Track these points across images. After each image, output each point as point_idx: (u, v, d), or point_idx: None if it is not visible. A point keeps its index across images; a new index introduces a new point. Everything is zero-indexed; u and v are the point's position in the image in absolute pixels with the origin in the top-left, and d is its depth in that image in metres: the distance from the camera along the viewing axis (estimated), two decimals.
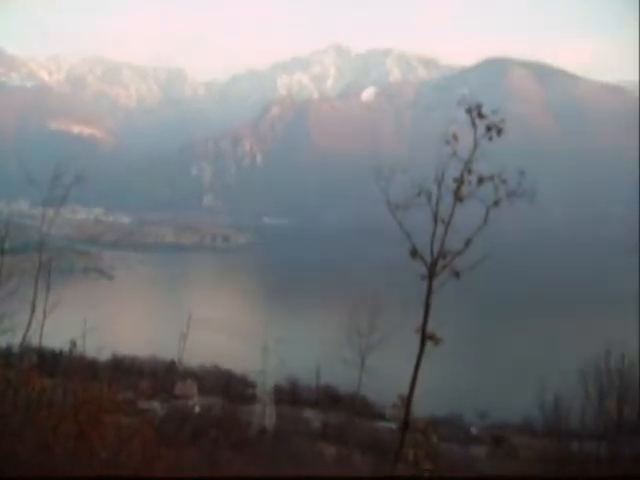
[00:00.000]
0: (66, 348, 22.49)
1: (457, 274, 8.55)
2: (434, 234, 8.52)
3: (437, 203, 8.67)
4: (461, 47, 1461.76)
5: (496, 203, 8.68)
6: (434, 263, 8.55)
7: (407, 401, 9.02)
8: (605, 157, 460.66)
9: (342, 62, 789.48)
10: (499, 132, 8.80)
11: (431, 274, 8.58)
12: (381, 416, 79.98)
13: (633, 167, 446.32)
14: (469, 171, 8.78)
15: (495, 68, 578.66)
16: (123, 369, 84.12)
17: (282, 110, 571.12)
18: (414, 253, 8.61)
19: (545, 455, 24.46)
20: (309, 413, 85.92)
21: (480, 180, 8.68)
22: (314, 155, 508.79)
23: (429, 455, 9.06)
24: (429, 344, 8.81)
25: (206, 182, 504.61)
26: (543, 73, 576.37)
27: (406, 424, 9.03)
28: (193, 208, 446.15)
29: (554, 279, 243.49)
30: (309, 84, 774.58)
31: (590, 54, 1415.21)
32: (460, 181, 8.70)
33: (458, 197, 8.67)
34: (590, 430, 24.19)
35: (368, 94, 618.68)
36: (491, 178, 8.73)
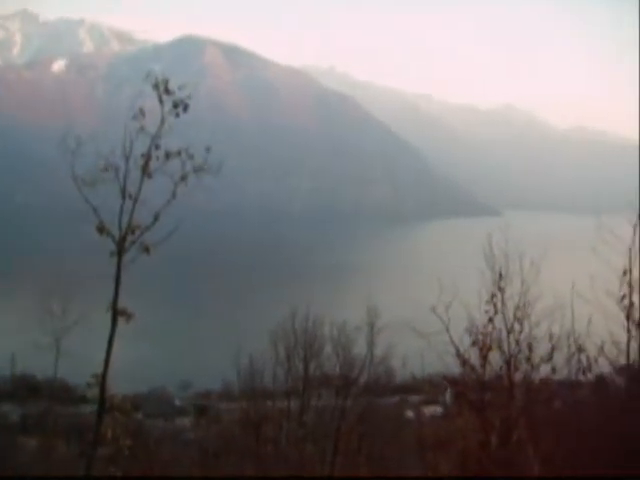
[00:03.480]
0: None
1: (147, 249, 8.61)
2: (122, 209, 8.47)
3: (125, 178, 8.62)
4: (157, 25, 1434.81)
5: (183, 178, 8.87)
6: (123, 239, 8.51)
7: (102, 379, 8.91)
8: (292, 134, 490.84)
9: (30, 29, 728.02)
10: (185, 108, 8.94)
11: (120, 250, 8.53)
12: (84, 399, 77.40)
13: (322, 144, 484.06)
14: (157, 146, 8.83)
15: (190, 46, 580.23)
16: None
17: None
18: (101, 229, 8.48)
19: (244, 417, 25.89)
20: (6, 406, 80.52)
21: (167, 155, 8.79)
22: None
23: (129, 431, 9.09)
24: (122, 320, 8.77)
25: None
26: (236, 54, 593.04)
27: (102, 403, 8.92)
28: None
29: (245, 250, 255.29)
30: None
31: (280, 41, 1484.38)
32: (147, 156, 8.72)
33: (146, 172, 8.70)
34: (281, 388, 26.11)
35: (59, 65, 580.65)
36: (178, 153, 8.87)
